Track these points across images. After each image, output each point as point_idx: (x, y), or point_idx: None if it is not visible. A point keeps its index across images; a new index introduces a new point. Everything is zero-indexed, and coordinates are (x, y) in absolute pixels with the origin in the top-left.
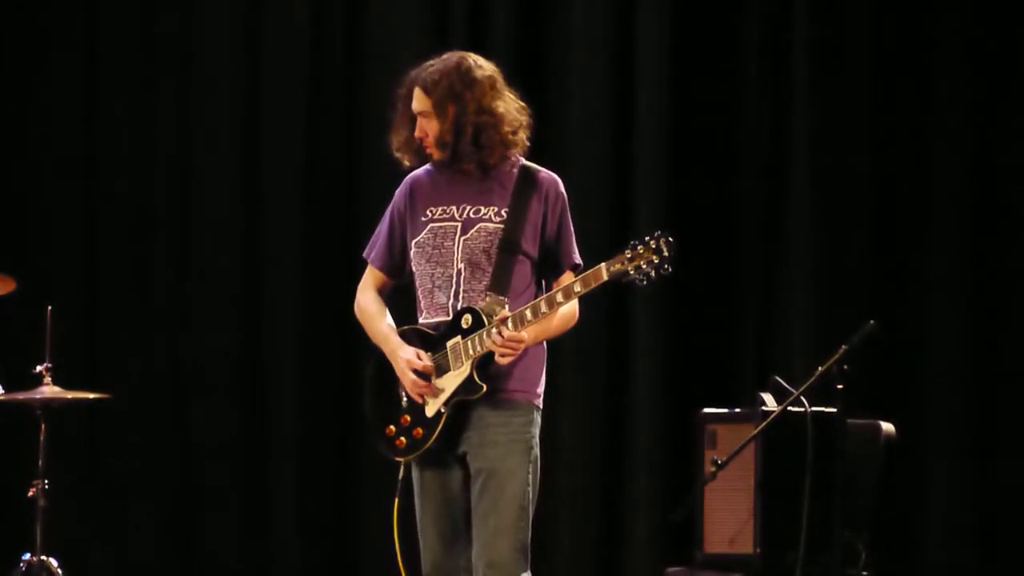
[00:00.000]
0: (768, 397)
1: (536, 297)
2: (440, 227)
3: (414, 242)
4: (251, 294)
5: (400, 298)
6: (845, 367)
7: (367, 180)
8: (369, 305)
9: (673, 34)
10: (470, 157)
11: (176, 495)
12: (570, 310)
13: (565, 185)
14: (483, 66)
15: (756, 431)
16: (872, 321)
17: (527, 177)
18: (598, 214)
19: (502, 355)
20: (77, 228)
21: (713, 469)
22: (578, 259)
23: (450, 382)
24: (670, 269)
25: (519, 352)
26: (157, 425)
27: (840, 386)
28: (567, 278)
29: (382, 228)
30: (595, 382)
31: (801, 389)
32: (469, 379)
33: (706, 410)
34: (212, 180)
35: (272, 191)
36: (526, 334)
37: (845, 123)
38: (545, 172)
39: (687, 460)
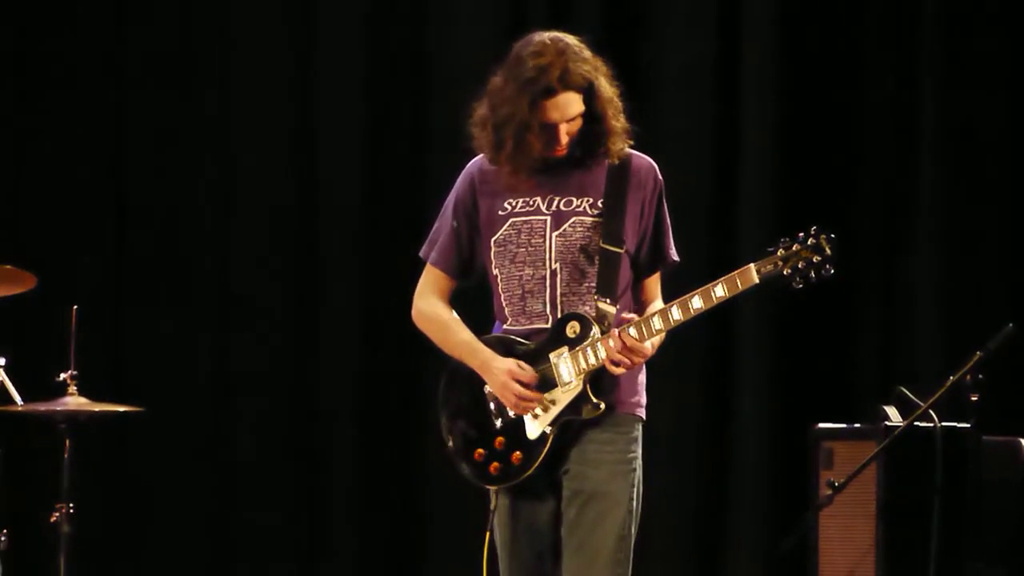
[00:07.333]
0: (892, 410)
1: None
2: (524, 222)
3: (493, 240)
4: (304, 295)
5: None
6: (980, 376)
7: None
8: (439, 312)
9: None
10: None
11: (214, 523)
12: None
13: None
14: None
15: (878, 449)
16: (1011, 324)
17: (621, 162)
18: (694, 211)
19: (617, 364)
20: (107, 221)
21: (829, 492)
22: (676, 256)
23: (558, 399)
24: (832, 270)
25: (636, 366)
26: (195, 443)
27: (975, 398)
28: (655, 281)
29: (443, 224)
30: (693, 393)
31: (930, 401)
32: (582, 396)
33: (821, 425)
34: (254, 172)
35: (326, 202)
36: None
37: (976, 113)
38: (639, 156)
39: (799, 482)
